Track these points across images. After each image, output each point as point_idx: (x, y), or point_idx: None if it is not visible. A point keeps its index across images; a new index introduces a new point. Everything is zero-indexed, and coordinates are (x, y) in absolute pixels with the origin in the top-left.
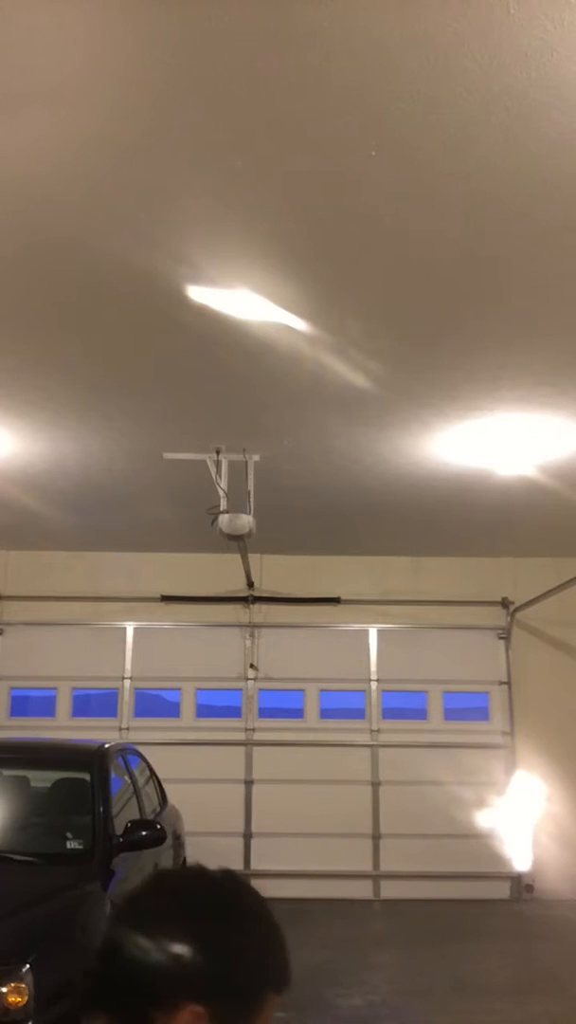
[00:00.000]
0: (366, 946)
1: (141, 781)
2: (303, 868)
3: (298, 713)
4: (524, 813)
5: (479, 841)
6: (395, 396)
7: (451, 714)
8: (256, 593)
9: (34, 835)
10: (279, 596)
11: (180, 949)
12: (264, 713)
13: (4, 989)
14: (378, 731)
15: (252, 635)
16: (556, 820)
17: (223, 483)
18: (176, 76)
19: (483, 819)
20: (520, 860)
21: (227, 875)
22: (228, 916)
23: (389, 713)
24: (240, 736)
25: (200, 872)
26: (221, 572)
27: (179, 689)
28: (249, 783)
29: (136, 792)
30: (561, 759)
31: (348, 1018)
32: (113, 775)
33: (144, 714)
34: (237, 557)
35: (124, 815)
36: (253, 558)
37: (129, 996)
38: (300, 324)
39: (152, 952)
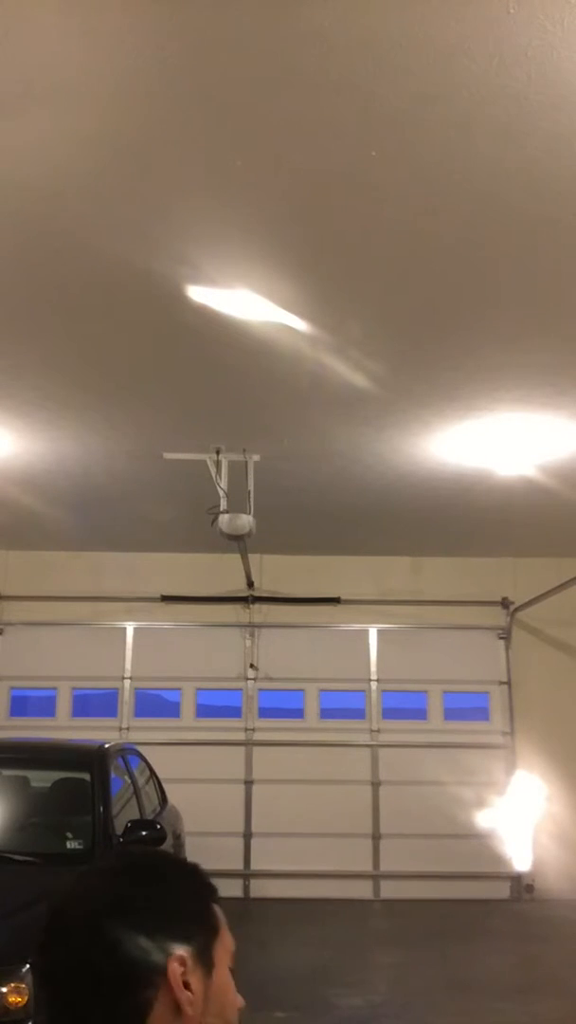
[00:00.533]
0: (366, 946)
1: (141, 781)
2: (303, 868)
3: (298, 713)
4: (524, 813)
5: (479, 841)
6: (395, 396)
7: (451, 714)
8: (256, 593)
9: (34, 835)
10: (279, 596)
11: (140, 923)
12: (264, 713)
13: (4, 989)
14: (378, 731)
15: (252, 635)
16: (556, 820)
17: (223, 483)
18: (176, 76)
19: (483, 819)
20: (520, 860)
21: (121, 850)
22: (149, 870)
23: (389, 713)
24: (240, 736)
25: (96, 866)
26: (221, 572)
27: (179, 689)
28: (249, 783)
29: (136, 792)
30: (561, 759)
31: (348, 1018)
32: (113, 775)
33: (144, 714)
34: (237, 557)
35: (124, 815)
36: (253, 558)
37: (117, 997)
38: (300, 324)
39: (115, 943)
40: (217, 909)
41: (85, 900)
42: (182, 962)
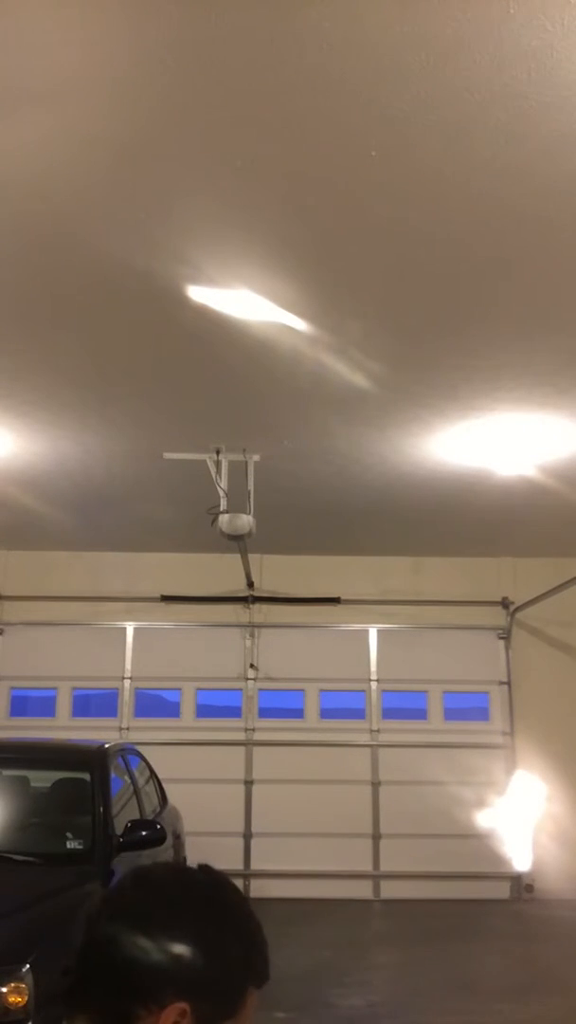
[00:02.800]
0: (366, 946)
1: (141, 781)
2: (303, 868)
3: (298, 713)
4: (524, 813)
5: (479, 841)
6: (395, 396)
7: (451, 714)
8: (256, 593)
9: (34, 835)
10: (279, 596)
11: (166, 946)
12: (264, 713)
13: (4, 989)
14: (378, 731)
15: (252, 635)
16: (556, 820)
17: (223, 483)
18: (176, 76)
19: (483, 819)
20: (520, 860)
21: (207, 871)
22: (212, 913)
23: (389, 713)
24: (240, 736)
25: (180, 869)
26: (221, 572)
27: (179, 689)
28: (249, 783)
29: (136, 792)
30: (561, 759)
31: (348, 1018)
32: (113, 775)
33: (144, 714)
34: (237, 557)
35: (124, 815)
36: (253, 558)
37: (112, 993)
38: (300, 324)
39: (137, 949)
40: (252, 1002)
41: (163, 889)
42: (182, 1014)
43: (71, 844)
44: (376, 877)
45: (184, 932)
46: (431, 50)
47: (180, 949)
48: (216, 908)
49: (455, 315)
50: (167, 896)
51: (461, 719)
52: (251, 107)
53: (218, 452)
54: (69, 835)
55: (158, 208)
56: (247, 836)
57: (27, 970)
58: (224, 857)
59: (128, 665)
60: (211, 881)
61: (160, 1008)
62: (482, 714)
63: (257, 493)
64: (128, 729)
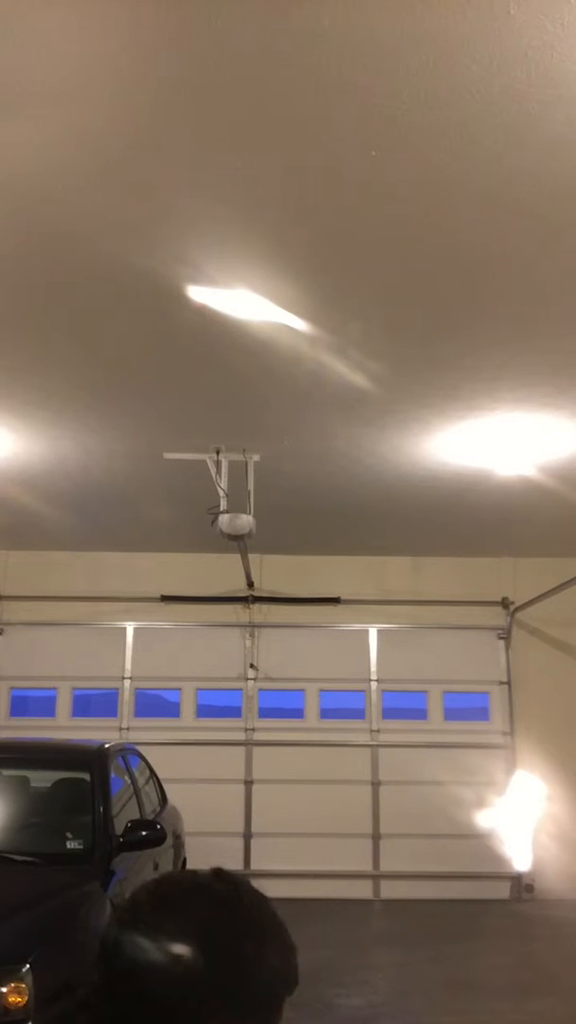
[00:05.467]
0: (366, 946)
1: (141, 781)
2: (303, 868)
3: (298, 713)
4: (524, 813)
5: (479, 841)
6: (395, 396)
7: (451, 714)
8: (256, 593)
9: (34, 835)
10: (279, 596)
11: (195, 970)
12: (264, 713)
13: (4, 989)
14: (378, 731)
15: (252, 635)
16: (556, 820)
17: (223, 483)
18: (176, 75)
19: (483, 819)
20: (520, 860)
21: (226, 881)
22: (240, 928)
23: (389, 713)
24: (240, 736)
25: (197, 882)
26: (221, 572)
27: (179, 689)
28: (249, 783)
29: (136, 792)
30: (561, 759)
31: (348, 1018)
32: (113, 775)
33: (144, 714)
34: (237, 557)
35: (124, 815)
36: (253, 558)
37: None
38: (300, 324)
39: (163, 978)
40: (283, 1009)
41: (183, 909)
42: None
43: (71, 844)
44: (376, 877)
45: (215, 953)
46: (431, 50)
47: (213, 972)
48: (244, 923)
49: (455, 315)
50: (190, 915)
51: (461, 719)
52: (251, 106)
53: (218, 452)
54: (69, 835)
55: (158, 208)
56: (247, 836)
57: (27, 970)
58: (224, 857)
59: (128, 665)
60: (234, 893)
61: None
62: (482, 714)
63: (257, 493)
64: (128, 729)
